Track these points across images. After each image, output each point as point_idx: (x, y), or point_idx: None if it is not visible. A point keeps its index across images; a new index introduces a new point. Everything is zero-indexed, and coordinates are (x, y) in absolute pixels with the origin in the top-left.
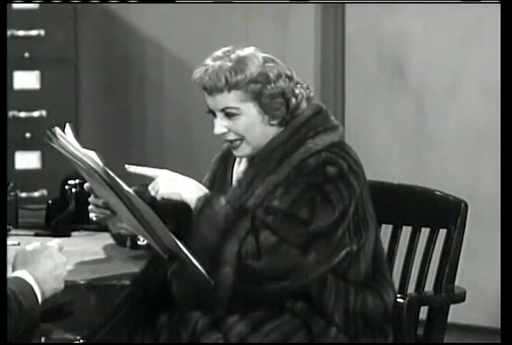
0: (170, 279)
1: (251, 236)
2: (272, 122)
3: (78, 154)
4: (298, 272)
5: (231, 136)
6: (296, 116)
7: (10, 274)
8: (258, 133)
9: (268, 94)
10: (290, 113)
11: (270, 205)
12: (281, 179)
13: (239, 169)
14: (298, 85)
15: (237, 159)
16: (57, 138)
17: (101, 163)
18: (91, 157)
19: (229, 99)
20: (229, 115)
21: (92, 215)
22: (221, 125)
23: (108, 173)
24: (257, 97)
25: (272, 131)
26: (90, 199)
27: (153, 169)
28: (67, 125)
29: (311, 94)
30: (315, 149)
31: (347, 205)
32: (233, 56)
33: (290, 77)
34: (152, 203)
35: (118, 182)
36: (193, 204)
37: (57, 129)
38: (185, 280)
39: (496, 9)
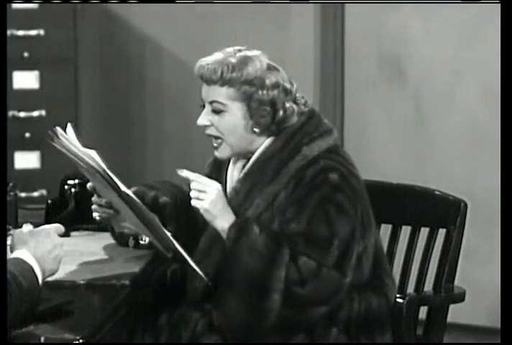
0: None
1: (292, 262)
2: (255, 129)
3: (79, 154)
4: (339, 294)
5: (212, 132)
6: (285, 128)
7: (9, 255)
8: (238, 136)
9: (257, 99)
10: (276, 124)
11: (288, 229)
12: (280, 188)
13: (233, 174)
14: (296, 101)
15: (230, 164)
16: (58, 138)
17: (101, 162)
18: (92, 157)
19: (220, 93)
20: (215, 110)
21: (95, 214)
22: (205, 118)
23: (108, 173)
24: (247, 99)
25: (253, 138)
26: (94, 199)
27: (206, 178)
28: (69, 125)
29: (305, 109)
30: (311, 155)
31: (357, 209)
32: (239, 54)
33: (287, 91)
34: (153, 203)
35: (116, 183)
36: (224, 233)
37: (59, 129)
38: (229, 310)
39: (496, 9)
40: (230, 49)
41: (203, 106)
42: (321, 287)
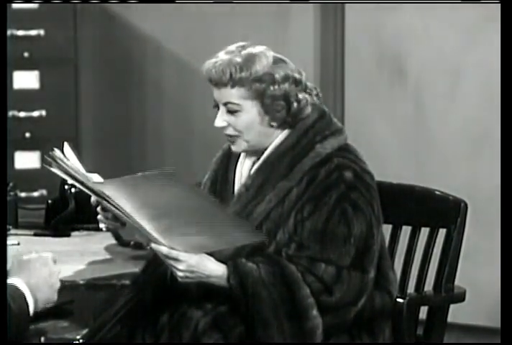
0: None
1: (307, 274)
2: (272, 123)
3: (80, 179)
4: (365, 292)
5: (230, 131)
6: (300, 120)
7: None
8: (256, 132)
9: (270, 95)
10: (292, 116)
11: (305, 228)
12: (293, 184)
13: (242, 169)
14: (307, 90)
15: (240, 159)
16: (56, 162)
17: (105, 189)
18: (92, 182)
19: (232, 94)
20: (230, 111)
21: (102, 225)
22: (221, 119)
23: (111, 202)
24: (260, 96)
25: (271, 132)
26: (99, 210)
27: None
28: (66, 144)
29: (318, 101)
30: (324, 153)
31: (372, 205)
32: (243, 52)
33: (297, 81)
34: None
35: (122, 212)
36: (223, 282)
37: (57, 152)
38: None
39: (496, 9)
40: (233, 48)
41: (217, 107)
42: (346, 289)
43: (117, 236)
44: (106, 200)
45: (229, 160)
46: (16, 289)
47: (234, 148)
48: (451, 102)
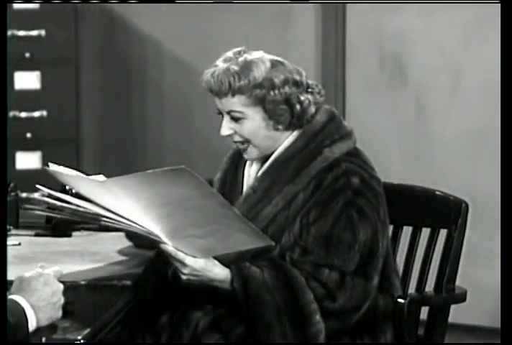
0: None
1: (311, 280)
2: (277, 127)
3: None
4: (368, 299)
5: (237, 138)
6: (307, 121)
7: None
8: (263, 137)
9: (272, 100)
10: (296, 118)
11: (310, 233)
12: (300, 188)
13: (250, 170)
14: (309, 90)
15: (248, 162)
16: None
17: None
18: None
19: (234, 103)
20: (234, 118)
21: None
22: (227, 127)
23: (106, 218)
24: (261, 102)
25: (278, 135)
26: None
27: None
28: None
29: (321, 99)
30: (333, 157)
31: (378, 212)
32: (240, 59)
33: (297, 83)
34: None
35: (118, 224)
36: (226, 285)
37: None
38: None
39: (496, 9)
40: (230, 54)
41: (221, 114)
42: (350, 296)
43: (131, 237)
44: (103, 218)
45: (239, 160)
46: (16, 303)
47: (246, 156)
48: (451, 102)
